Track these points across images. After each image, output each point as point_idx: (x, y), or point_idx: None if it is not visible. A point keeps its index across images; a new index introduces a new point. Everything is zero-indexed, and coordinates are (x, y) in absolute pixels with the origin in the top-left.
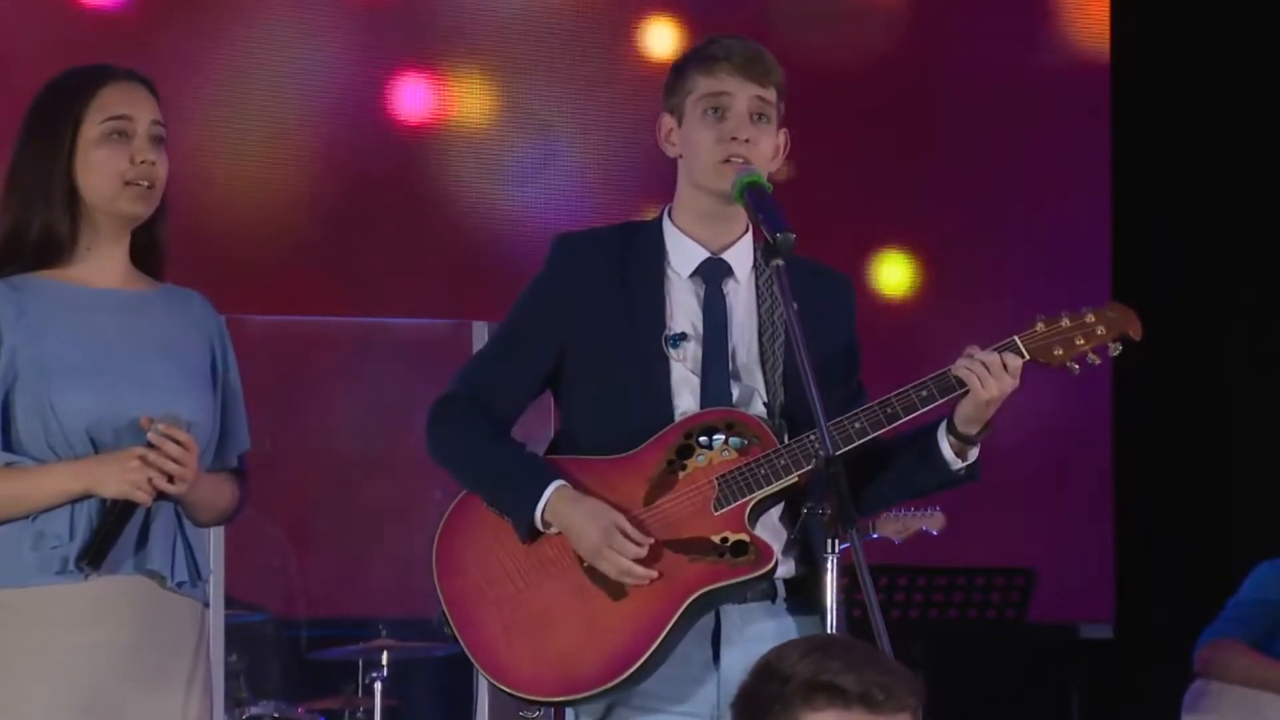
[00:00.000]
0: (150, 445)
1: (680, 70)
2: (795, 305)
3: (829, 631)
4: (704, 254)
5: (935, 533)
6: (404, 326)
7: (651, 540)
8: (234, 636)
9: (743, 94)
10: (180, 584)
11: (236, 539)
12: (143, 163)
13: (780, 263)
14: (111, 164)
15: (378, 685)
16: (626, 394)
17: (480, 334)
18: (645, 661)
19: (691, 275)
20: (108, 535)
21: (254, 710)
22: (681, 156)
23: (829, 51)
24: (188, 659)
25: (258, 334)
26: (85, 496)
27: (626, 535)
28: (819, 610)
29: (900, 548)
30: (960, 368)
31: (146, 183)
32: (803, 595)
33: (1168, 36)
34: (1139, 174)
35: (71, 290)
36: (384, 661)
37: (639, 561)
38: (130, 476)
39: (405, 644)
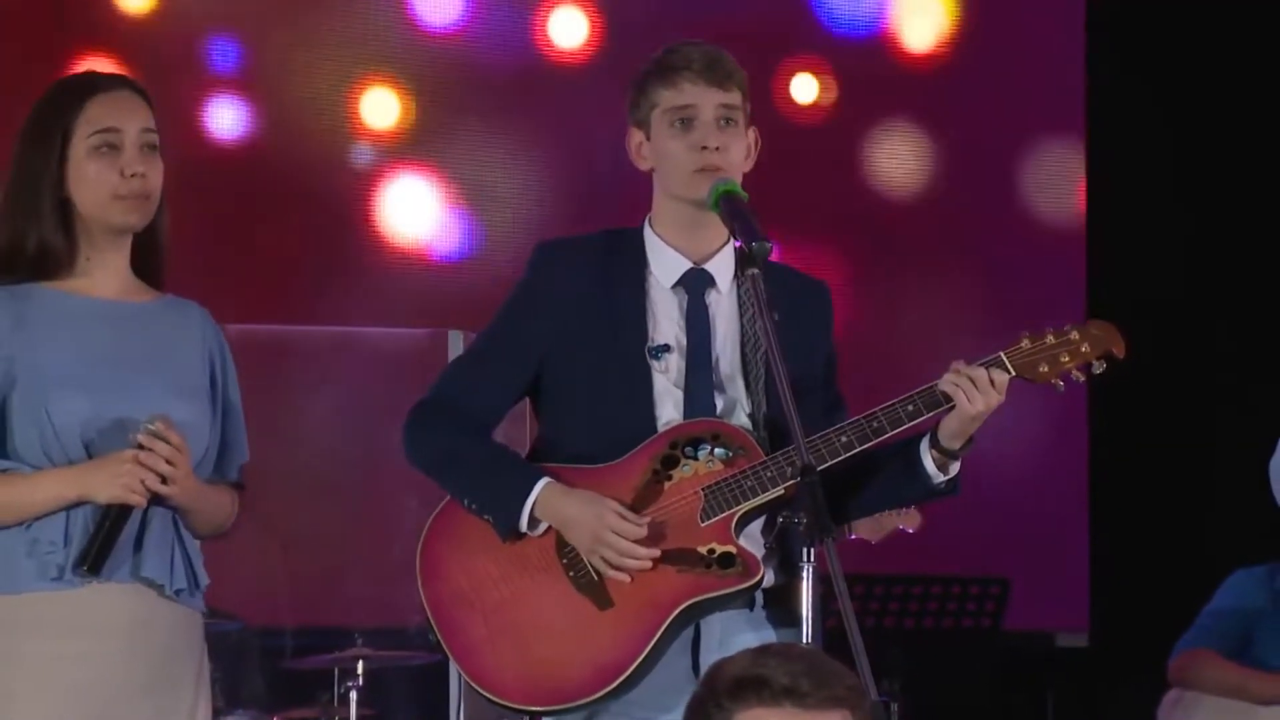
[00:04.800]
0: (141, 447)
1: (641, 85)
2: (776, 316)
3: (805, 641)
4: (686, 264)
5: (911, 530)
6: (380, 335)
7: (648, 520)
8: (210, 645)
9: (707, 102)
10: (179, 591)
11: (211, 547)
12: (133, 176)
13: (755, 271)
14: (102, 178)
15: (353, 694)
16: (608, 404)
17: (455, 343)
18: (632, 672)
19: (674, 286)
20: (106, 540)
21: (229, 719)
22: (654, 170)
23: None
24: (194, 663)
25: (235, 342)
26: (80, 503)
27: (623, 517)
28: (798, 620)
29: (877, 552)
30: (947, 382)
31: (138, 195)
32: (782, 605)
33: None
34: (1114, 183)
35: (72, 300)
36: (360, 671)
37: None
38: (123, 480)
39: (381, 653)
